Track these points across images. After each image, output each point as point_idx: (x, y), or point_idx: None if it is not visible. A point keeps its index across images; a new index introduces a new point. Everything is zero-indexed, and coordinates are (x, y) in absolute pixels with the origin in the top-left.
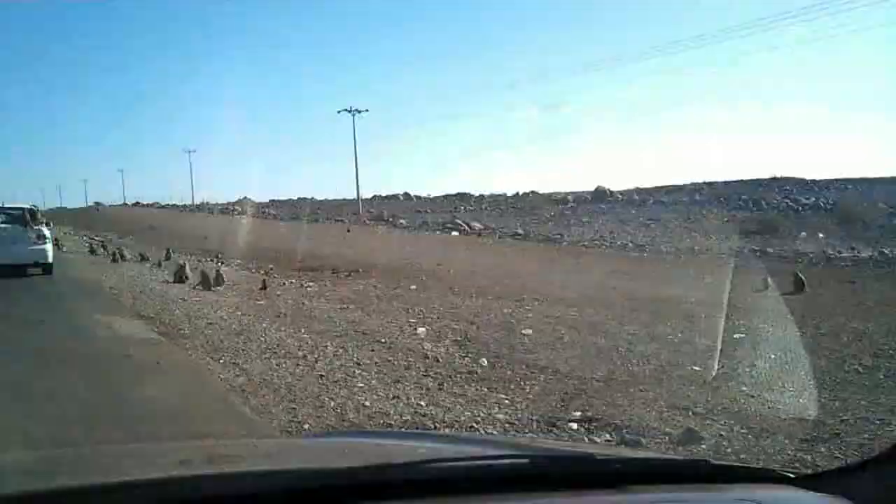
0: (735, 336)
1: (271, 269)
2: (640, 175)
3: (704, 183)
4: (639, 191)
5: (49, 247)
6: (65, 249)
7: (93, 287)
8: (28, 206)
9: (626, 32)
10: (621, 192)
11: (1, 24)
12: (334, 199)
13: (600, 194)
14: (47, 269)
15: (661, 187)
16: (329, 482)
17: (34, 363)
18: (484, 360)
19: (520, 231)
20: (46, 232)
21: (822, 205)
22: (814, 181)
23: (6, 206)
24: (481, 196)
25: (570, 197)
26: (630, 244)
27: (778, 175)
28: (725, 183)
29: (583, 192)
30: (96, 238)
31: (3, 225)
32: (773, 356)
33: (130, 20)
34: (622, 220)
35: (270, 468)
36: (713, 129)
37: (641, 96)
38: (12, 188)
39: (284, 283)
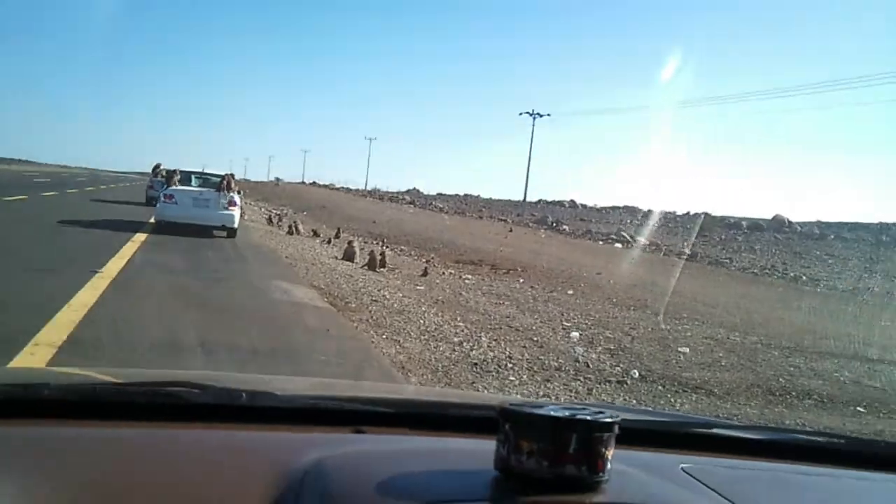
0: None
1: (432, 258)
2: (822, 207)
3: (894, 224)
4: (819, 224)
5: (237, 213)
6: (246, 218)
7: (271, 255)
8: (225, 174)
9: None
10: (800, 223)
11: (213, 19)
12: (500, 199)
13: (777, 223)
14: (231, 233)
15: (845, 223)
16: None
17: (215, 316)
18: (636, 371)
19: (686, 251)
20: (237, 199)
21: None
22: None
23: (206, 172)
24: (650, 211)
25: (744, 222)
26: (803, 277)
27: None
28: None
29: (759, 218)
30: (274, 210)
31: (200, 188)
32: None
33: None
34: (797, 252)
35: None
36: None
37: (832, 126)
38: (208, 155)
39: (444, 273)
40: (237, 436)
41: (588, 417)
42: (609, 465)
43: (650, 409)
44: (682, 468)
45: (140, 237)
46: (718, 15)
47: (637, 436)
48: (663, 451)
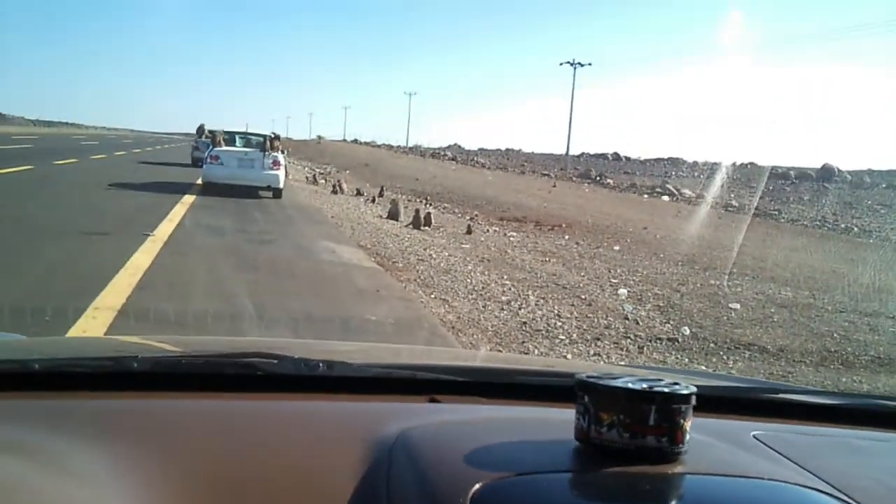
0: None
1: (476, 215)
2: (872, 155)
3: None
4: (870, 172)
5: (282, 173)
6: (290, 177)
7: (316, 214)
8: (269, 134)
9: None
10: (850, 172)
11: None
12: (542, 153)
13: (827, 172)
14: (277, 193)
15: None
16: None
17: (267, 277)
18: (686, 328)
19: (734, 203)
20: (282, 159)
21: None
22: None
23: (250, 132)
24: (695, 163)
25: (792, 172)
26: (855, 228)
27: None
28: None
29: (807, 167)
30: (317, 170)
31: (245, 149)
32: None
33: None
34: (848, 202)
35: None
36: None
37: (882, 72)
38: (250, 114)
39: (488, 231)
40: (316, 406)
41: (665, 389)
42: (688, 436)
43: (716, 373)
44: (753, 435)
45: (188, 199)
46: None
47: (708, 403)
48: (734, 418)
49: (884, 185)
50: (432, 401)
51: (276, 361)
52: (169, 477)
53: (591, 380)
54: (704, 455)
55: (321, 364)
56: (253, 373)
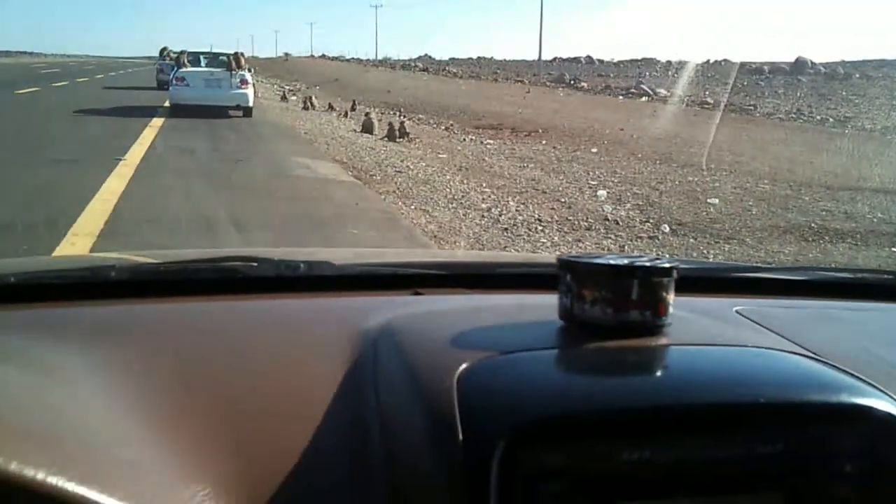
0: None
1: (451, 125)
2: (846, 46)
3: None
4: (844, 63)
5: (250, 91)
6: (259, 96)
7: (289, 131)
8: (233, 53)
9: None
10: (824, 64)
11: None
12: (514, 60)
13: (800, 65)
14: (247, 112)
15: (870, 61)
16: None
17: (244, 196)
18: (665, 226)
19: (708, 100)
20: (249, 77)
21: None
22: None
23: (215, 51)
24: (668, 62)
25: (766, 67)
26: (830, 119)
27: None
28: None
29: (780, 62)
30: (286, 87)
31: (210, 69)
32: None
33: None
34: (822, 94)
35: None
36: None
37: None
38: (212, 35)
39: (465, 140)
40: (299, 304)
41: (647, 264)
42: (671, 310)
43: (700, 259)
44: (735, 310)
45: (157, 122)
46: None
47: (691, 283)
48: (717, 296)
49: (857, 76)
50: (416, 294)
51: (255, 264)
52: (150, 378)
53: (573, 258)
54: (689, 328)
55: (302, 265)
56: (233, 276)
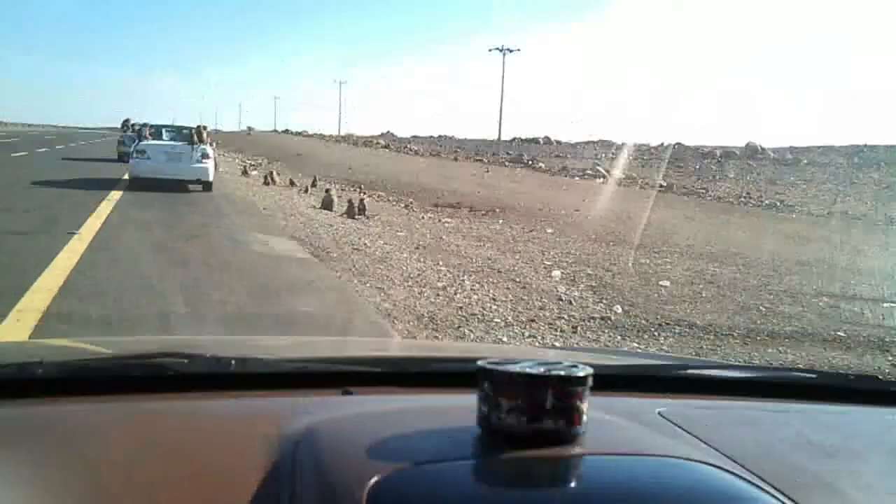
0: None
1: (411, 202)
2: (795, 133)
3: (865, 146)
4: (792, 149)
5: (211, 166)
6: (220, 170)
7: (248, 207)
8: (196, 126)
9: None
10: (773, 150)
11: None
12: (474, 139)
13: (751, 150)
14: (207, 186)
15: (817, 147)
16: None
17: (198, 272)
18: (618, 307)
19: (662, 182)
20: (210, 152)
21: None
22: None
23: (177, 124)
24: (623, 144)
25: (717, 151)
26: (779, 203)
27: None
28: (888, 147)
29: (732, 146)
30: (248, 161)
31: (172, 142)
32: None
33: None
34: (771, 179)
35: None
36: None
37: (803, 52)
38: (176, 107)
39: (423, 217)
40: (228, 404)
41: (562, 373)
42: (585, 418)
43: (635, 351)
44: (658, 412)
45: (115, 195)
46: None
47: (617, 382)
48: (641, 396)
49: (805, 161)
50: (346, 393)
51: (186, 361)
52: (69, 484)
53: (491, 366)
54: (606, 434)
55: (233, 361)
56: (163, 374)
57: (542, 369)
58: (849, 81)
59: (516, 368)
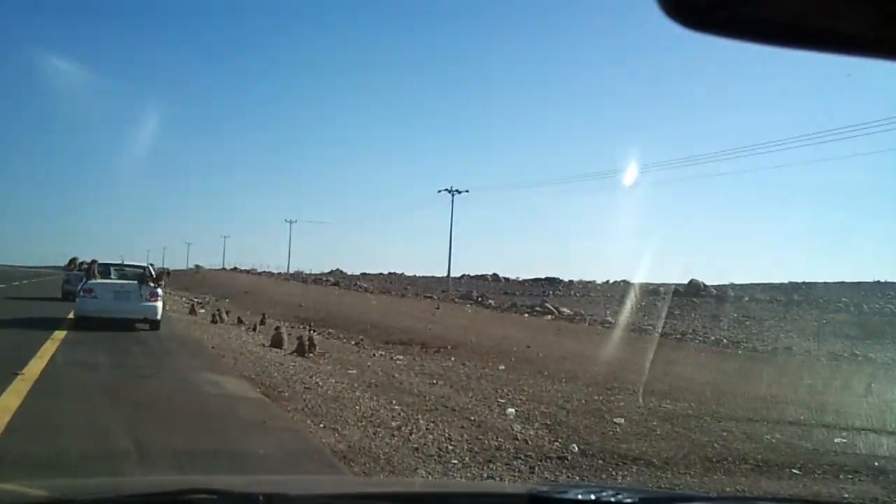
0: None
1: (362, 339)
2: (735, 271)
3: (803, 283)
4: (734, 286)
5: (160, 305)
6: (167, 308)
7: (196, 346)
8: (146, 266)
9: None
10: (715, 287)
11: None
12: (424, 276)
13: (693, 287)
14: (154, 325)
15: (758, 284)
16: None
17: (147, 414)
18: (574, 446)
19: (609, 319)
20: (159, 291)
21: None
22: None
23: (127, 263)
24: (570, 282)
25: (661, 288)
26: (724, 340)
27: (882, 280)
28: (825, 284)
29: (675, 284)
30: (196, 299)
31: (120, 281)
32: None
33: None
34: (715, 315)
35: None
36: (817, 229)
37: (739, 192)
38: (123, 245)
39: (375, 355)
40: None
41: (612, 500)
42: None
43: (643, 488)
44: None
45: (59, 334)
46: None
47: None
48: None
49: (746, 298)
50: None
51: (215, 497)
52: None
53: (542, 493)
54: None
55: (261, 496)
56: None
57: (591, 496)
58: (785, 224)
59: (567, 495)
